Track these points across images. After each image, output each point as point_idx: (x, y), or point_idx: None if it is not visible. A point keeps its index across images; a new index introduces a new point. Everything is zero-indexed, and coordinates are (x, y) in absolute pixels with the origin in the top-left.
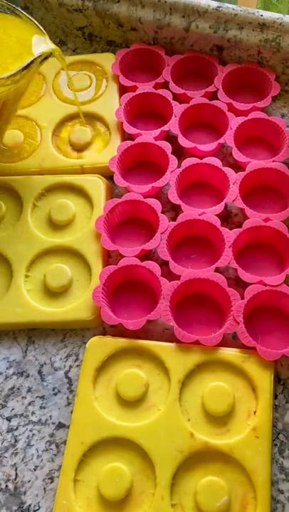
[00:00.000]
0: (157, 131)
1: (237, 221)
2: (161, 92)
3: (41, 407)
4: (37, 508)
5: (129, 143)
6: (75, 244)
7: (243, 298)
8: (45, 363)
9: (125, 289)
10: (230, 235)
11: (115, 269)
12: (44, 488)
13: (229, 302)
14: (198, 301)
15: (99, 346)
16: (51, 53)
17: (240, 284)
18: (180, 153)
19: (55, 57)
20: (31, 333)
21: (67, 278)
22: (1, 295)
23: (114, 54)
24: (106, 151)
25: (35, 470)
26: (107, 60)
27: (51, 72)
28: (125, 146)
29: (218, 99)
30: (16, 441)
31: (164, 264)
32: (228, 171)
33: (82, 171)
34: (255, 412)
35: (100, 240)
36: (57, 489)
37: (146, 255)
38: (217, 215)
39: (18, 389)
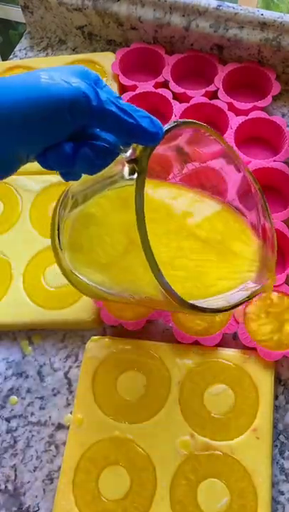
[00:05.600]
0: None
1: None
2: (161, 91)
3: (41, 408)
4: (36, 508)
5: None
6: None
7: None
8: (44, 364)
9: None
10: None
11: None
12: (43, 489)
13: None
14: None
15: (99, 346)
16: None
17: None
18: None
19: None
20: (31, 333)
21: None
22: (1, 295)
23: (114, 53)
24: None
25: (34, 471)
26: (107, 59)
27: None
28: None
29: (218, 98)
30: (16, 442)
31: None
32: None
33: None
34: (255, 413)
35: None
36: (56, 490)
37: None
38: None
39: (18, 390)
